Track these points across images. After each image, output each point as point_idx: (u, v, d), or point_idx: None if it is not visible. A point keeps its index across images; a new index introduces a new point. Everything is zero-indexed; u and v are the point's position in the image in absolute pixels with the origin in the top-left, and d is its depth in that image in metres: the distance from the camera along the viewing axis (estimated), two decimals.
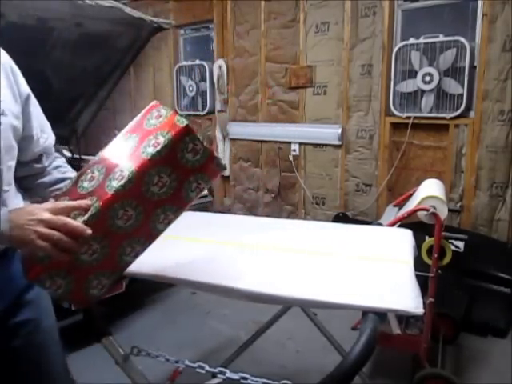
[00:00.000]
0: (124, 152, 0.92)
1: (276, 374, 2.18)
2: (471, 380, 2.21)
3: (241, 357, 2.05)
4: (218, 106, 4.55)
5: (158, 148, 0.88)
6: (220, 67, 4.45)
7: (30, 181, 1.13)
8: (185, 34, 4.96)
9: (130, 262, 0.99)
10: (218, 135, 4.58)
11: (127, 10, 2.48)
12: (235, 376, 1.08)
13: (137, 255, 0.99)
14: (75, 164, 3.22)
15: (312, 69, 3.84)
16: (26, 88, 1.05)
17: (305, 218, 3.99)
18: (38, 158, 1.14)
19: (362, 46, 3.54)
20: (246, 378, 1.05)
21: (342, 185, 3.78)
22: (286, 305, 1.80)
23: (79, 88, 2.92)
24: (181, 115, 0.93)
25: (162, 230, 0.98)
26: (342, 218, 3.65)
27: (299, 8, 3.83)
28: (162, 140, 0.88)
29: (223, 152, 4.54)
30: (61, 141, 2.96)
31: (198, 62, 4.62)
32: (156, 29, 2.77)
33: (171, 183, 0.92)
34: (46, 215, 0.84)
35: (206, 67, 4.54)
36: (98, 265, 0.92)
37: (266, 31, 4.10)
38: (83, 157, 3.25)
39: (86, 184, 0.92)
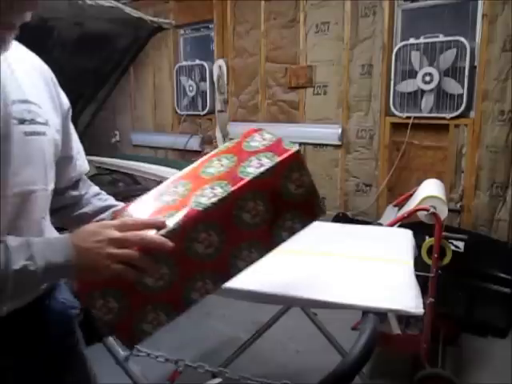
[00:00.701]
0: (216, 170, 0.81)
1: (276, 374, 2.18)
2: (471, 380, 2.21)
3: (241, 357, 2.05)
4: (218, 106, 4.55)
5: (261, 169, 0.76)
6: (220, 67, 4.45)
7: (67, 212, 0.99)
8: (185, 34, 4.96)
9: (195, 302, 0.82)
10: (218, 135, 4.58)
11: (127, 10, 2.48)
12: (235, 376, 1.08)
13: (204, 294, 0.82)
14: None
15: (312, 69, 3.83)
16: (66, 100, 0.94)
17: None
18: (75, 185, 1.00)
19: (362, 46, 3.54)
20: (246, 378, 1.04)
21: (341, 185, 3.78)
22: (286, 305, 1.80)
23: (79, 88, 2.92)
24: (287, 142, 0.83)
25: (240, 271, 0.83)
26: (341, 218, 3.65)
27: (299, 8, 3.83)
28: (265, 162, 0.78)
29: None
30: None
31: (197, 62, 4.62)
32: (156, 29, 2.77)
33: (265, 215, 0.79)
34: (116, 233, 0.71)
35: (206, 67, 4.54)
36: (160, 294, 0.77)
37: (266, 31, 4.10)
38: None
39: (165, 198, 0.81)
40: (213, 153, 0.88)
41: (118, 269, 0.69)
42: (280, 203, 0.80)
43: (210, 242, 0.76)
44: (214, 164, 0.83)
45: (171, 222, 0.73)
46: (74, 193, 1.00)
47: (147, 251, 0.70)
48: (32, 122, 0.78)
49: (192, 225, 0.74)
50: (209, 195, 0.76)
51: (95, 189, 1.06)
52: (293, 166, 0.79)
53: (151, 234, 0.71)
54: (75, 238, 0.71)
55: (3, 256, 0.66)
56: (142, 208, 0.83)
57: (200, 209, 0.74)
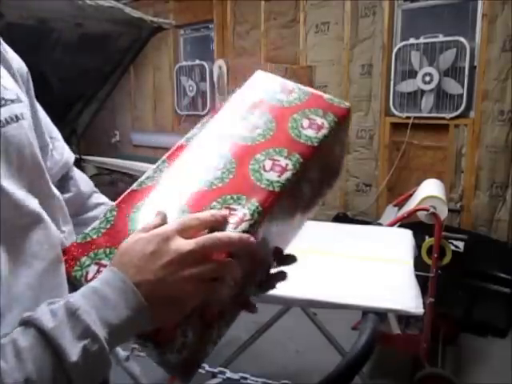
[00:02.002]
0: (255, 134, 0.64)
1: (276, 373, 2.17)
2: (471, 380, 2.21)
3: (241, 357, 2.05)
4: (218, 106, 4.54)
5: (324, 132, 0.64)
6: (220, 67, 4.45)
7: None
8: (185, 34, 4.96)
9: (248, 300, 0.65)
10: None
11: (127, 10, 2.48)
12: (235, 376, 1.08)
13: (257, 287, 0.66)
14: (75, 164, 3.23)
15: (312, 69, 3.83)
16: (20, 61, 0.65)
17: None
18: (61, 185, 0.71)
19: (362, 46, 3.54)
20: (246, 378, 1.05)
21: (341, 185, 3.78)
22: (286, 305, 1.80)
23: (79, 88, 2.92)
24: (328, 96, 0.70)
25: (285, 247, 0.69)
26: (341, 218, 3.65)
27: (299, 8, 3.83)
28: (320, 121, 0.65)
29: None
30: None
31: (197, 62, 4.62)
32: (156, 29, 2.78)
33: (315, 184, 0.68)
34: (185, 244, 0.48)
35: (206, 67, 4.54)
36: (228, 303, 0.59)
37: (266, 31, 4.10)
38: (83, 157, 3.26)
39: (199, 176, 0.60)
40: (223, 111, 0.71)
41: (210, 290, 0.50)
42: (325, 168, 0.70)
43: (277, 227, 0.62)
44: (241, 124, 0.66)
45: (240, 212, 0.55)
46: (65, 196, 0.68)
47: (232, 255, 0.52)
48: (1, 101, 0.52)
49: (270, 210, 0.57)
50: (275, 169, 0.59)
51: (102, 196, 0.80)
52: (344, 125, 0.69)
53: (227, 233, 0.52)
54: (128, 271, 0.47)
55: (43, 350, 0.42)
56: (167, 196, 0.59)
57: (277, 190, 0.57)
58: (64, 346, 0.42)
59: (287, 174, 0.59)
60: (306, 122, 0.65)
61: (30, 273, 0.50)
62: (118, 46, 2.80)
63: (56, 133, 0.72)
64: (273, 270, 0.66)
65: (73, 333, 0.43)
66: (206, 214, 0.52)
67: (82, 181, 0.76)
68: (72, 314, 0.44)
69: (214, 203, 0.56)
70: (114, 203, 0.60)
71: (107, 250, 0.54)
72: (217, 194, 0.57)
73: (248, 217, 0.54)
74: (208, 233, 0.51)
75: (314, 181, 0.66)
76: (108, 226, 0.56)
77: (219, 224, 0.52)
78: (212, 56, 4.60)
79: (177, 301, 0.48)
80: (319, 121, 0.65)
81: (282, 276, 0.66)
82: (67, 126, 3.09)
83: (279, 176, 0.58)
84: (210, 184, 0.58)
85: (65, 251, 0.56)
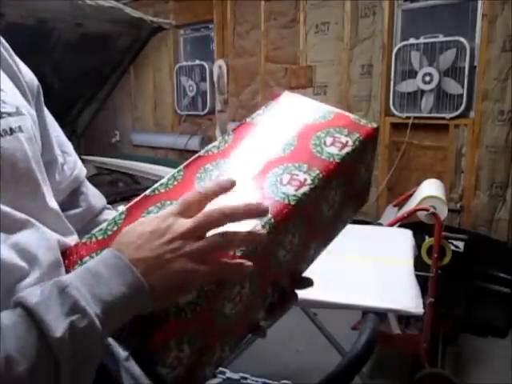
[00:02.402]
0: (275, 148, 0.62)
1: (276, 373, 2.17)
2: (471, 380, 2.21)
3: (241, 357, 2.05)
4: (218, 106, 4.55)
5: (348, 149, 0.61)
6: (220, 67, 4.45)
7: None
8: (185, 34, 4.96)
9: (258, 324, 0.62)
10: (218, 135, 4.58)
11: (127, 10, 2.48)
12: (235, 376, 1.08)
13: (270, 312, 0.63)
14: None
15: (312, 69, 3.83)
16: (32, 75, 0.64)
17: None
18: (71, 200, 0.69)
19: (362, 45, 3.54)
20: (246, 378, 1.05)
21: None
22: None
23: (79, 88, 2.92)
24: (355, 116, 0.68)
25: (302, 272, 0.67)
26: None
27: (299, 8, 3.83)
28: (344, 139, 0.63)
29: None
30: None
31: (197, 62, 4.62)
32: (156, 29, 2.78)
33: (337, 205, 0.64)
34: (183, 222, 0.47)
35: (206, 67, 4.54)
36: (233, 323, 0.55)
37: (266, 31, 4.10)
38: (83, 157, 3.26)
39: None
40: (253, 122, 0.68)
41: (212, 270, 0.47)
42: (350, 191, 0.66)
43: (291, 244, 0.58)
44: (261, 141, 0.64)
45: (252, 223, 0.52)
46: (74, 211, 0.68)
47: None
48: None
49: (284, 223, 0.55)
50: (292, 183, 0.57)
51: (113, 213, 0.74)
52: (370, 146, 0.66)
53: (229, 205, 0.49)
54: (126, 249, 0.46)
55: (28, 327, 0.40)
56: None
57: (292, 203, 0.55)
58: (48, 322, 0.40)
59: (305, 189, 0.56)
60: (329, 140, 0.63)
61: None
62: (118, 46, 2.80)
63: (69, 147, 0.71)
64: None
65: (61, 309, 0.41)
66: (210, 185, 0.51)
67: (94, 196, 0.74)
68: (61, 290, 0.42)
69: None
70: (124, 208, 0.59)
71: None
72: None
73: (259, 227, 0.52)
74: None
75: (335, 203, 0.63)
76: (115, 229, 0.55)
77: (224, 192, 0.50)
78: (212, 56, 4.60)
79: (177, 279, 0.46)
80: (343, 139, 0.63)
81: (294, 298, 0.64)
82: (67, 126, 3.09)
83: (296, 190, 0.56)
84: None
85: (68, 250, 0.55)
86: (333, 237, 0.70)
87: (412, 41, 3.20)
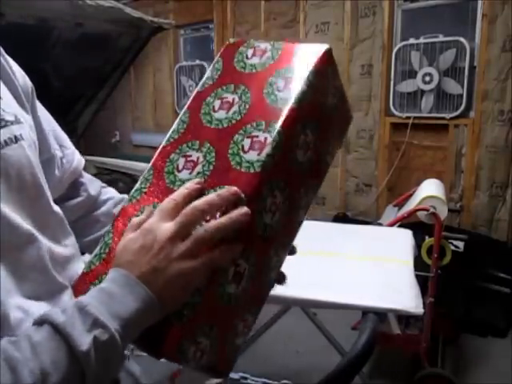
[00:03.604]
0: (231, 113, 0.58)
1: (276, 373, 2.18)
2: (471, 380, 2.21)
3: (241, 357, 2.05)
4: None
5: (303, 88, 0.56)
6: None
7: (78, 238, 0.68)
8: (185, 34, 4.96)
9: (273, 284, 0.65)
10: None
11: (127, 10, 2.48)
12: (235, 376, 1.08)
13: (279, 270, 0.64)
14: None
15: None
16: (25, 78, 0.64)
17: (305, 218, 3.99)
18: (71, 192, 0.73)
19: (361, 45, 3.54)
20: (246, 378, 1.05)
21: (341, 185, 3.78)
22: (286, 305, 1.80)
23: (79, 88, 2.92)
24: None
25: (302, 220, 0.66)
26: (341, 218, 3.65)
27: (299, 8, 3.83)
28: (295, 76, 0.57)
29: None
30: None
31: (197, 62, 4.62)
32: (156, 29, 2.78)
33: (315, 144, 0.60)
34: (167, 228, 0.50)
35: (206, 67, 4.54)
36: (245, 298, 0.57)
37: (266, 31, 4.09)
38: (83, 157, 3.26)
39: (184, 174, 0.56)
40: (196, 92, 0.64)
41: (210, 260, 0.49)
42: (324, 123, 0.62)
43: (276, 206, 0.56)
44: (217, 105, 0.60)
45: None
46: (76, 200, 0.72)
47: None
48: (1, 122, 0.52)
49: (256, 193, 0.53)
50: (254, 147, 0.54)
51: (109, 191, 0.81)
52: (329, 70, 0.61)
53: (204, 198, 0.51)
54: (126, 269, 0.49)
55: (57, 342, 0.43)
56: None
57: (258, 170, 0.53)
58: (75, 337, 0.43)
59: (267, 149, 0.54)
60: (281, 84, 0.58)
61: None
62: (118, 46, 2.80)
63: (66, 140, 0.72)
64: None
65: (83, 325, 0.44)
66: (180, 191, 0.52)
67: (92, 184, 0.77)
68: (81, 309, 0.45)
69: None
70: (118, 207, 0.61)
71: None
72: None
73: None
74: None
75: (310, 143, 0.60)
76: (107, 251, 0.56)
77: (195, 194, 0.52)
78: (212, 56, 4.60)
79: (179, 282, 0.48)
80: (295, 76, 0.57)
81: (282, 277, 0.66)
82: (67, 126, 3.10)
83: (259, 154, 0.54)
84: (184, 180, 0.56)
85: (75, 283, 0.57)
86: (323, 174, 0.68)
87: (412, 41, 3.20)
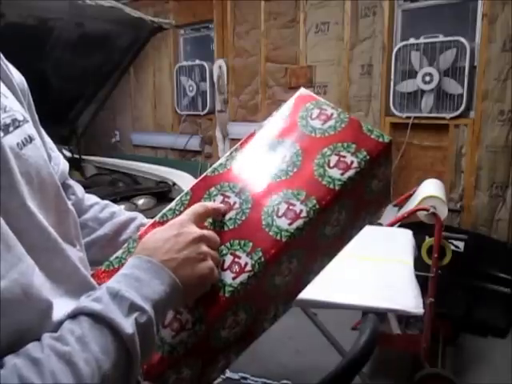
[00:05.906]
0: (277, 169, 0.61)
1: (276, 373, 2.18)
2: (471, 380, 2.21)
3: (241, 357, 2.05)
4: (217, 106, 4.55)
5: (350, 173, 0.58)
6: (220, 67, 4.45)
7: None
8: (185, 34, 4.96)
9: (266, 328, 0.68)
10: (218, 135, 4.58)
11: (127, 10, 2.48)
12: (235, 376, 1.08)
13: (275, 320, 0.68)
14: (75, 164, 3.23)
15: (312, 69, 3.83)
16: (20, 76, 0.64)
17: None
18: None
19: (361, 46, 3.54)
20: (246, 378, 1.05)
21: None
22: None
23: (79, 88, 2.92)
24: (368, 126, 0.63)
25: (309, 283, 0.68)
26: None
27: (299, 8, 3.83)
28: (350, 159, 0.59)
29: (223, 152, 4.54)
30: (61, 141, 2.96)
31: (197, 62, 4.62)
32: (156, 29, 2.77)
33: (345, 222, 0.63)
34: (199, 229, 0.56)
35: (206, 67, 4.54)
36: (233, 341, 0.61)
37: (266, 31, 4.10)
38: (83, 157, 3.25)
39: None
40: (264, 134, 0.66)
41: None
42: (361, 204, 0.64)
43: (289, 270, 0.60)
44: (268, 155, 0.62)
45: (243, 260, 0.56)
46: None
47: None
48: (15, 123, 0.51)
49: (276, 260, 0.56)
50: (287, 215, 0.56)
51: (92, 197, 0.81)
52: (382, 161, 0.62)
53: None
54: (154, 254, 0.52)
55: (101, 330, 0.44)
56: None
57: (284, 239, 0.55)
58: (118, 322, 0.45)
59: (299, 223, 0.56)
60: (334, 159, 0.59)
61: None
62: (118, 46, 2.80)
63: (52, 144, 0.72)
64: None
65: (121, 310, 0.46)
66: (212, 203, 0.60)
67: (78, 187, 0.78)
68: (115, 296, 0.47)
69: (222, 247, 0.58)
70: (117, 207, 0.68)
71: None
72: (228, 237, 0.58)
73: (249, 268, 0.55)
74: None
75: (340, 221, 0.62)
76: (129, 256, 0.58)
77: (223, 212, 0.59)
78: (212, 56, 4.60)
79: (200, 277, 0.53)
80: (349, 159, 0.59)
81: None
82: (67, 126, 3.09)
83: (290, 224, 0.56)
84: (223, 225, 0.59)
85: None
86: (344, 245, 0.69)
87: (412, 41, 3.20)
